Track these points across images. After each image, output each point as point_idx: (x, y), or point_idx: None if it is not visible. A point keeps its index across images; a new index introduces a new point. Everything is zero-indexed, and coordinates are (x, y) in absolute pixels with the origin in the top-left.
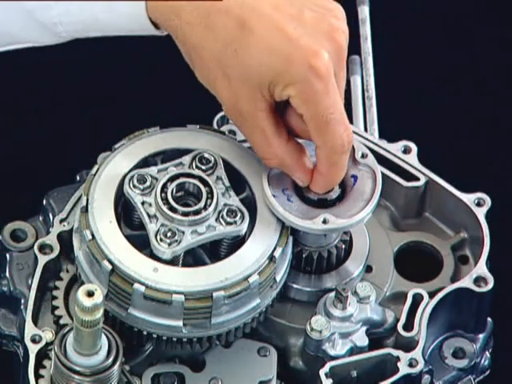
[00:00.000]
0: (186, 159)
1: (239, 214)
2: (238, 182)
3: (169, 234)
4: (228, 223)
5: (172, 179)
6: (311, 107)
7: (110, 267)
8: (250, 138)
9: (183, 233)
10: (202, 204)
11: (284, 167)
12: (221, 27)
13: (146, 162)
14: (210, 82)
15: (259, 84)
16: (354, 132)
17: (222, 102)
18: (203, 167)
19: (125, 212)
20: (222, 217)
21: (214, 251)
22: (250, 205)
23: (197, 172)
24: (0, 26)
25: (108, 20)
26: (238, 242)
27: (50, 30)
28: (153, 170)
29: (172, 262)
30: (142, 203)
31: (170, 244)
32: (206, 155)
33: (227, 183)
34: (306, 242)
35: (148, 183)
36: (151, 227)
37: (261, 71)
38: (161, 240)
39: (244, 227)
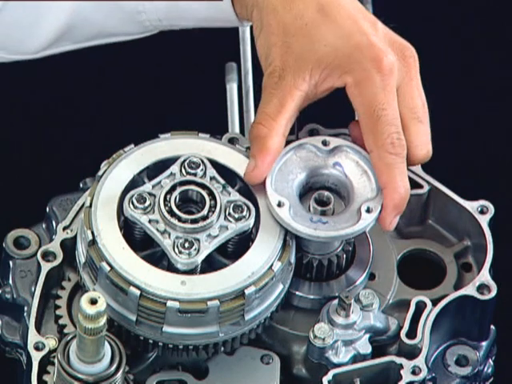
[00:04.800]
0: (175, 168)
1: (245, 208)
2: (225, 178)
3: (186, 245)
4: (237, 219)
5: (170, 191)
6: (365, 100)
7: (138, 292)
8: (267, 100)
9: (199, 240)
10: (207, 207)
11: (257, 143)
12: (300, 3)
13: (133, 182)
14: (267, 46)
15: (316, 63)
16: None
17: (266, 67)
18: (194, 171)
19: (128, 235)
20: (230, 214)
21: (221, 249)
22: (248, 196)
23: (190, 178)
24: (83, 13)
25: (188, 6)
26: (245, 236)
27: (134, 19)
28: (147, 186)
29: (192, 271)
30: (149, 221)
31: (189, 254)
32: (193, 159)
33: (222, 181)
34: (310, 250)
35: (148, 201)
36: (166, 242)
37: (323, 50)
38: (180, 252)
39: (252, 220)
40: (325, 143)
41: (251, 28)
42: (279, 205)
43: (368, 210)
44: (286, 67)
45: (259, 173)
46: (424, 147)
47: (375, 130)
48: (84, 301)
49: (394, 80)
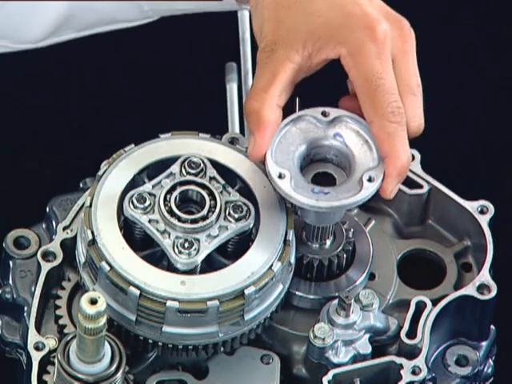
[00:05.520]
0: (175, 168)
1: (245, 208)
2: (225, 178)
3: (186, 245)
4: (237, 219)
5: (170, 191)
6: (361, 69)
7: (137, 292)
8: (259, 75)
9: (198, 240)
10: (207, 207)
11: (252, 119)
12: None
13: (133, 182)
14: (261, 22)
15: (309, 34)
16: None
17: (260, 41)
18: (194, 171)
19: (127, 235)
20: (230, 214)
21: (221, 249)
22: (248, 196)
23: (190, 178)
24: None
25: None
26: (245, 236)
27: (133, 2)
28: (147, 186)
29: (191, 271)
30: (149, 221)
31: (189, 254)
32: (193, 159)
33: (222, 181)
34: (311, 250)
35: (148, 201)
36: (166, 242)
37: (316, 21)
38: (180, 252)
39: (252, 220)
40: (324, 114)
41: (251, 27)
42: (280, 176)
43: (370, 180)
44: (278, 41)
45: (259, 148)
46: (416, 120)
47: (374, 100)
48: (84, 301)
49: (388, 48)
